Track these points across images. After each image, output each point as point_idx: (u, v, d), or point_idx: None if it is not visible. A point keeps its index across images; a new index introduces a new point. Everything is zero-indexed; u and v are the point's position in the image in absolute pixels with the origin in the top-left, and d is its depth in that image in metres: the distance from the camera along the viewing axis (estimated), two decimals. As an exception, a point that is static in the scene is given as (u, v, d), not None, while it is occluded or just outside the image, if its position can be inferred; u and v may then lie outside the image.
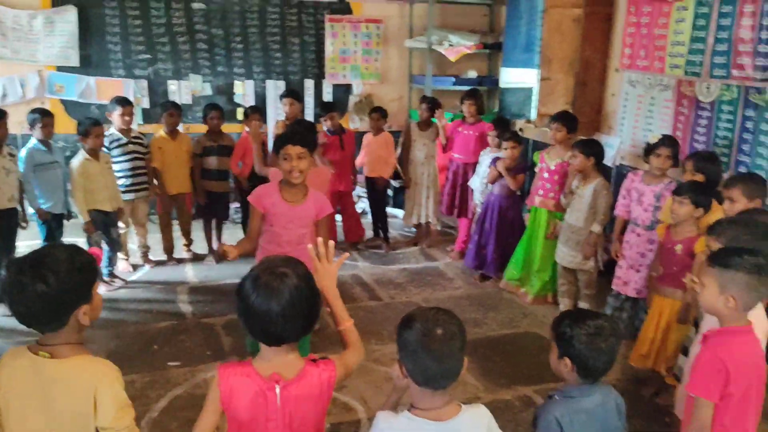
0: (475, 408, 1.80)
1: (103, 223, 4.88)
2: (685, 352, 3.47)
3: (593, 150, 4.48)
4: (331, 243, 2.02)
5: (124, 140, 5.28)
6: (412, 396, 1.78)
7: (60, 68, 6.51)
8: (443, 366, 1.68)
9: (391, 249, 6.17)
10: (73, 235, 5.12)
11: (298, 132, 3.47)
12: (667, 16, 5.13)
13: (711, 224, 2.81)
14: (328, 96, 7.44)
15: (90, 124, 4.75)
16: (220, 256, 5.75)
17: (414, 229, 6.51)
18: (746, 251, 2.14)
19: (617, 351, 1.96)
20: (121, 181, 5.22)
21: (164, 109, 5.57)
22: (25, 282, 1.65)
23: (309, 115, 7.28)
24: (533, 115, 7.42)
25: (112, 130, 5.27)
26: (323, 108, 6.06)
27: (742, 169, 4.36)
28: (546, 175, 4.95)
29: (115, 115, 5.21)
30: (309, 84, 7.38)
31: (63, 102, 6.57)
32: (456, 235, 6.31)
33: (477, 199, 5.67)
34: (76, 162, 4.72)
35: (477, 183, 5.65)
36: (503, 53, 7.39)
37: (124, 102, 5.28)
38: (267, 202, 3.33)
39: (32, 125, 4.59)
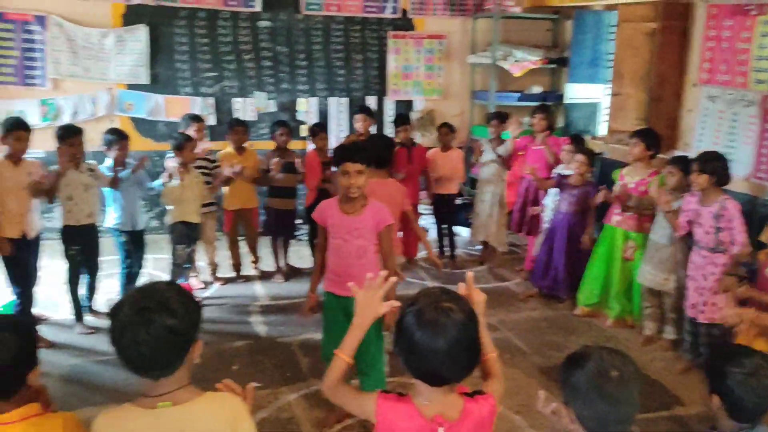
0: None
1: (188, 236, 4.90)
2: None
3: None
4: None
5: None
6: None
7: (130, 86, 6.61)
8: (620, 411, 1.57)
9: (458, 268, 6.06)
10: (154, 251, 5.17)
11: (357, 148, 3.47)
12: (751, 30, 4.95)
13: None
14: (390, 112, 7.41)
15: (184, 140, 4.80)
16: (288, 274, 5.73)
17: (480, 247, 6.40)
18: None
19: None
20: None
21: (229, 127, 5.60)
22: (152, 318, 1.54)
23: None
24: (599, 130, 7.28)
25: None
26: (397, 120, 6.04)
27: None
28: (626, 193, 4.81)
29: (190, 131, 5.24)
30: (371, 100, 7.36)
31: (132, 119, 6.67)
32: (523, 253, 6.17)
33: (548, 216, 5.54)
34: (168, 186, 4.79)
35: (549, 201, 5.52)
36: (569, 68, 7.26)
37: (197, 119, 5.31)
38: (327, 215, 3.36)
39: (108, 146, 4.64)
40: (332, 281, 3.43)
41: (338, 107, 7.25)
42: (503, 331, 4.77)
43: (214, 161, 5.43)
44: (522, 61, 7.09)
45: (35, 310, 4.73)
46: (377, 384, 3.29)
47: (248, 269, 5.81)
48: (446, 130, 6.03)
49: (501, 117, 5.93)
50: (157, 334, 1.55)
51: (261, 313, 5.03)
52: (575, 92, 7.31)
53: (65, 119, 6.35)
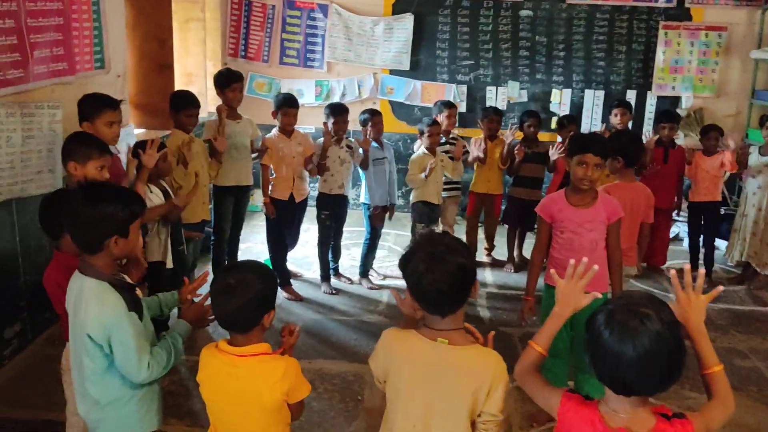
0: None
1: (427, 216, 5.13)
2: None
3: None
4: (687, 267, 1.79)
5: (441, 140, 5.50)
6: None
7: (392, 71, 7.06)
8: None
9: (712, 285, 5.46)
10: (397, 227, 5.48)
11: (598, 140, 3.34)
12: None
13: None
14: (651, 108, 6.90)
15: (427, 124, 5.01)
16: (519, 266, 5.69)
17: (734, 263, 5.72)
18: None
19: None
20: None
21: (485, 115, 5.68)
22: (445, 258, 1.77)
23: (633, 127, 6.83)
24: None
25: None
26: (663, 116, 5.66)
27: None
28: None
29: (441, 116, 5.44)
30: (631, 95, 6.92)
31: (391, 103, 7.12)
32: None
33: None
34: (415, 155, 5.05)
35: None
36: None
37: (450, 105, 5.49)
38: (553, 209, 3.25)
39: (364, 124, 5.00)
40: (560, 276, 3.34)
41: (594, 100, 6.95)
42: (753, 360, 4.22)
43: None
44: (822, 58, 6.09)
45: (292, 267, 5.36)
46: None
47: (480, 255, 5.88)
48: (715, 134, 5.43)
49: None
50: (451, 270, 1.75)
51: (487, 298, 5.08)
52: None
53: (335, 99, 7.00)
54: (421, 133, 5.02)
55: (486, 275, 5.61)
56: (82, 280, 2.04)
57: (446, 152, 5.29)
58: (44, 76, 3.86)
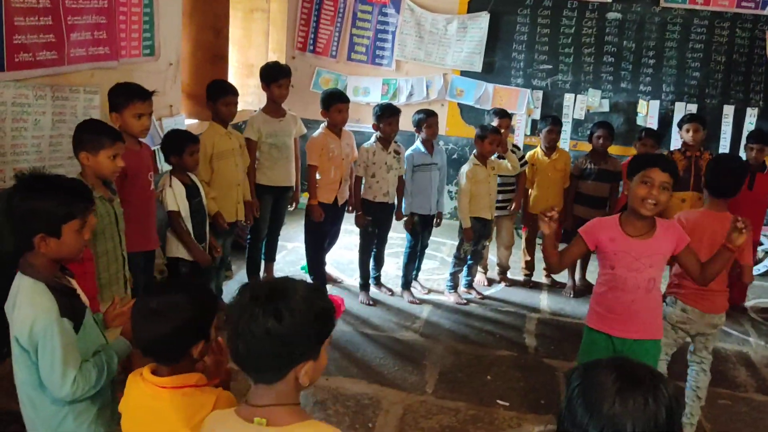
0: None
1: (478, 233, 4.76)
2: None
3: None
4: None
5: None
6: None
7: (463, 73, 6.68)
8: None
9: (801, 331, 4.79)
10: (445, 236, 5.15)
11: (665, 158, 2.92)
12: None
13: None
14: (750, 126, 6.19)
15: (489, 129, 4.64)
16: (581, 291, 5.20)
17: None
18: None
19: None
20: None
21: (544, 124, 5.22)
22: (256, 312, 1.34)
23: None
24: None
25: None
26: (754, 137, 4.97)
27: None
28: None
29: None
30: (728, 110, 6.24)
31: (460, 106, 6.75)
32: None
33: None
34: (465, 167, 4.68)
35: None
36: None
37: (503, 114, 5.06)
38: (603, 237, 2.78)
39: (418, 126, 4.67)
40: (604, 318, 2.89)
41: (684, 114, 6.30)
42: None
43: (519, 159, 5.12)
44: None
45: (332, 271, 5.12)
46: None
47: (539, 276, 5.43)
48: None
49: None
50: (256, 333, 1.34)
51: (537, 325, 4.64)
52: None
53: (401, 99, 6.71)
54: (480, 138, 4.60)
55: (542, 299, 5.15)
56: (20, 278, 1.85)
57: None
58: (82, 60, 3.77)
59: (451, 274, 4.93)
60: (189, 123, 5.07)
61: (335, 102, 4.42)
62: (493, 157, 4.72)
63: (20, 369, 1.86)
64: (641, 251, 2.72)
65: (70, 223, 1.88)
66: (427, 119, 4.63)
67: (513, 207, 5.10)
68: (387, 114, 4.49)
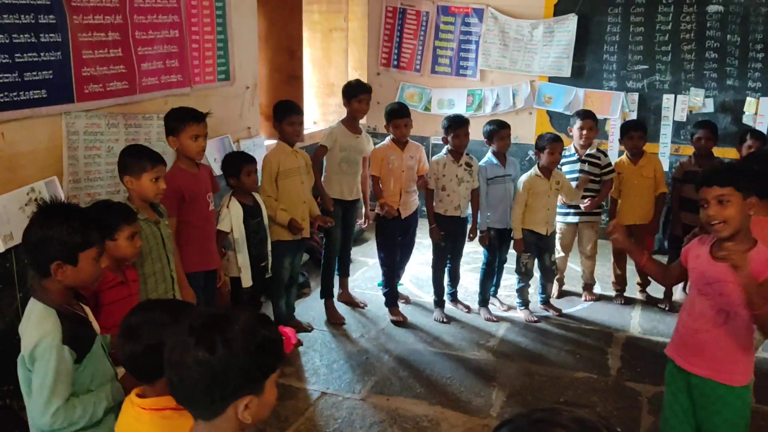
0: None
1: (536, 246, 4.52)
2: None
3: None
4: None
5: (575, 157, 4.81)
6: None
7: (551, 79, 6.40)
8: None
9: None
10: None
11: (724, 168, 2.62)
12: None
13: None
14: None
15: (551, 139, 4.44)
16: (678, 305, 4.77)
17: None
18: None
19: None
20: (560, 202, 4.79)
21: (623, 131, 4.88)
22: (188, 342, 1.27)
23: None
24: None
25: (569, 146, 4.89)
26: None
27: None
28: None
29: (575, 129, 4.78)
30: None
31: (549, 113, 6.47)
32: None
33: None
34: (525, 176, 4.48)
35: None
36: None
37: (585, 115, 4.79)
38: (691, 254, 2.53)
39: (489, 137, 4.51)
40: (675, 345, 2.64)
41: (802, 111, 5.68)
42: None
43: (604, 166, 4.82)
44: None
45: (404, 290, 5.04)
46: None
47: (632, 291, 5.05)
48: None
49: None
50: (186, 364, 1.28)
51: (623, 345, 4.30)
52: None
53: (487, 110, 6.55)
54: (541, 149, 4.40)
55: (633, 316, 4.77)
56: (33, 303, 1.93)
57: (582, 171, 4.62)
58: (154, 88, 3.96)
59: (517, 291, 4.71)
60: (269, 143, 5.20)
61: (394, 117, 4.43)
62: (560, 173, 4.50)
63: (26, 392, 1.94)
64: (716, 276, 2.40)
65: (87, 251, 1.93)
66: (499, 131, 4.48)
67: (587, 205, 4.75)
68: (454, 126, 4.40)
